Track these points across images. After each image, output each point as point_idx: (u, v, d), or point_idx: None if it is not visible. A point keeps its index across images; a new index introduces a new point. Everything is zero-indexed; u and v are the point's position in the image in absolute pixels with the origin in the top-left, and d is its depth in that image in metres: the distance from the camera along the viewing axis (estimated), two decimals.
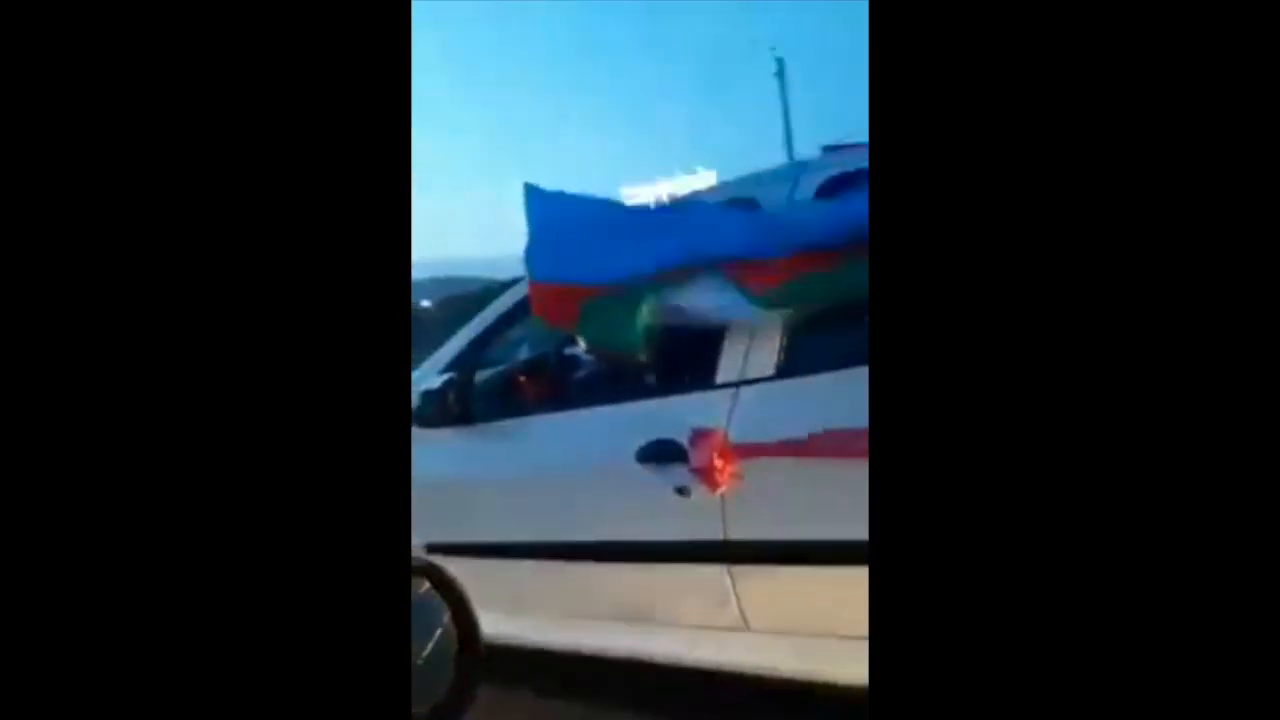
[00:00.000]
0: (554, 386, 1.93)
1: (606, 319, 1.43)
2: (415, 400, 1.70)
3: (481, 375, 1.90)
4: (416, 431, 1.60)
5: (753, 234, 1.40)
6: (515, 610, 1.71)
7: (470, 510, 1.76)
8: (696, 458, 1.37)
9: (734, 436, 1.37)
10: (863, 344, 0.95)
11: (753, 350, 1.42)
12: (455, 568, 1.70)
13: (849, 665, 1.18)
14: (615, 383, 1.72)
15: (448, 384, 1.73)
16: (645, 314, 1.42)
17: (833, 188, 1.47)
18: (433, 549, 1.75)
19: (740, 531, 1.39)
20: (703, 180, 8.52)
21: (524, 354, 2.27)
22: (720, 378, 1.45)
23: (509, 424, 1.78)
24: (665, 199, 1.65)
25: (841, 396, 1.20)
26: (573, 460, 1.61)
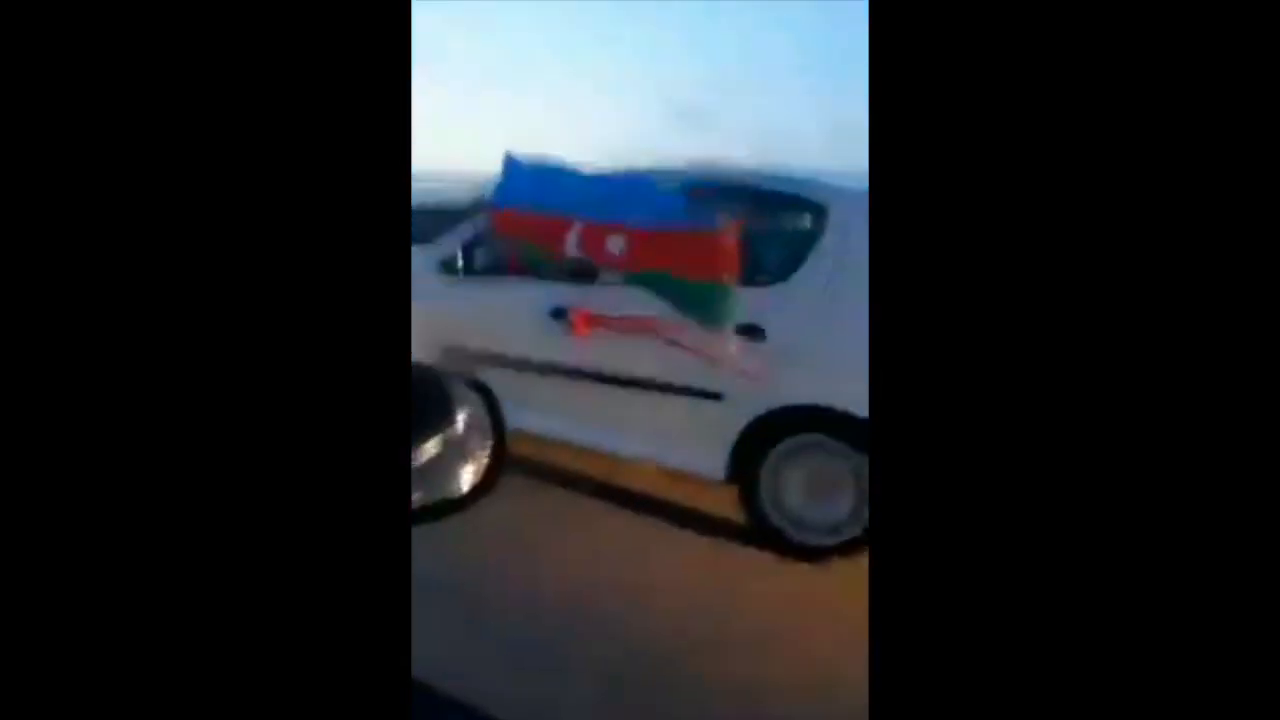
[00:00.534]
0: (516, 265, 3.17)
1: (535, 251, 2.66)
2: (435, 267, 2.99)
3: (482, 252, 3.14)
4: (438, 277, 2.91)
5: (648, 210, 2.55)
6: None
7: (463, 329, 3.08)
8: (573, 319, 2.63)
9: (594, 310, 2.61)
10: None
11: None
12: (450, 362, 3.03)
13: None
14: (545, 273, 2.93)
15: (460, 253, 3.01)
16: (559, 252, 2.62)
17: (701, 194, 2.56)
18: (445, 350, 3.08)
19: (591, 362, 2.67)
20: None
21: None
22: (597, 280, 2.68)
23: (492, 280, 3.05)
24: (609, 171, 2.67)
25: (650, 301, 2.43)
26: (520, 308, 2.88)
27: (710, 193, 2.57)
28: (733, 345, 2.35)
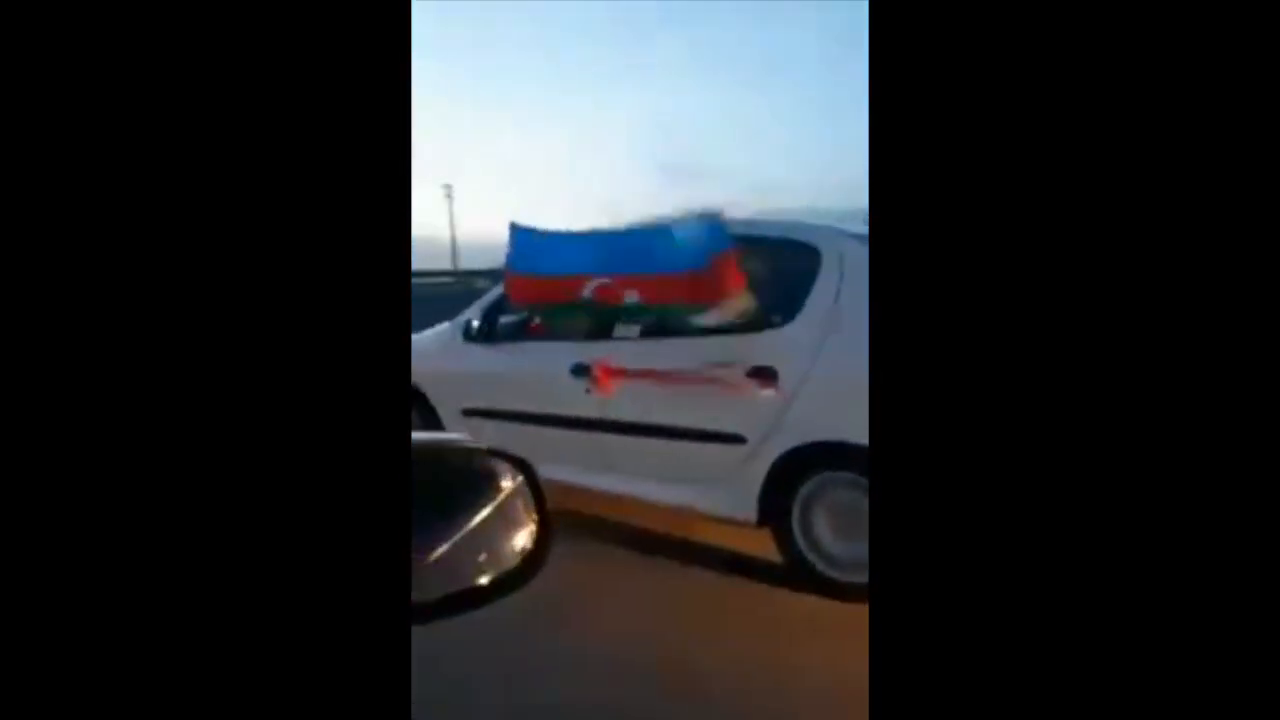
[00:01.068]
0: (538, 329, 3.27)
1: (552, 309, 2.76)
2: (462, 330, 3.11)
3: (504, 318, 3.24)
4: (462, 343, 3.02)
5: (643, 258, 2.64)
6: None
7: (488, 391, 3.15)
8: (595, 374, 2.69)
9: (614, 364, 2.67)
10: (672, 322, 2.43)
11: (627, 323, 2.73)
12: (473, 424, 3.09)
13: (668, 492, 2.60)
14: (564, 332, 3.00)
15: (481, 320, 3.12)
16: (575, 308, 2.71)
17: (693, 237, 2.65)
18: (467, 412, 3.15)
19: (614, 414, 2.72)
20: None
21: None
22: (614, 334, 2.75)
23: (514, 344, 3.13)
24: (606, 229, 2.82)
25: (666, 352, 2.50)
26: (542, 368, 2.95)
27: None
28: (749, 387, 2.40)
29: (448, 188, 32.39)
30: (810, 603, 2.36)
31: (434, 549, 0.67)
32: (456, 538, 0.69)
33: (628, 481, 2.77)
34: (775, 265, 2.56)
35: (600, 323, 2.77)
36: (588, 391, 2.73)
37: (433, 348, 3.34)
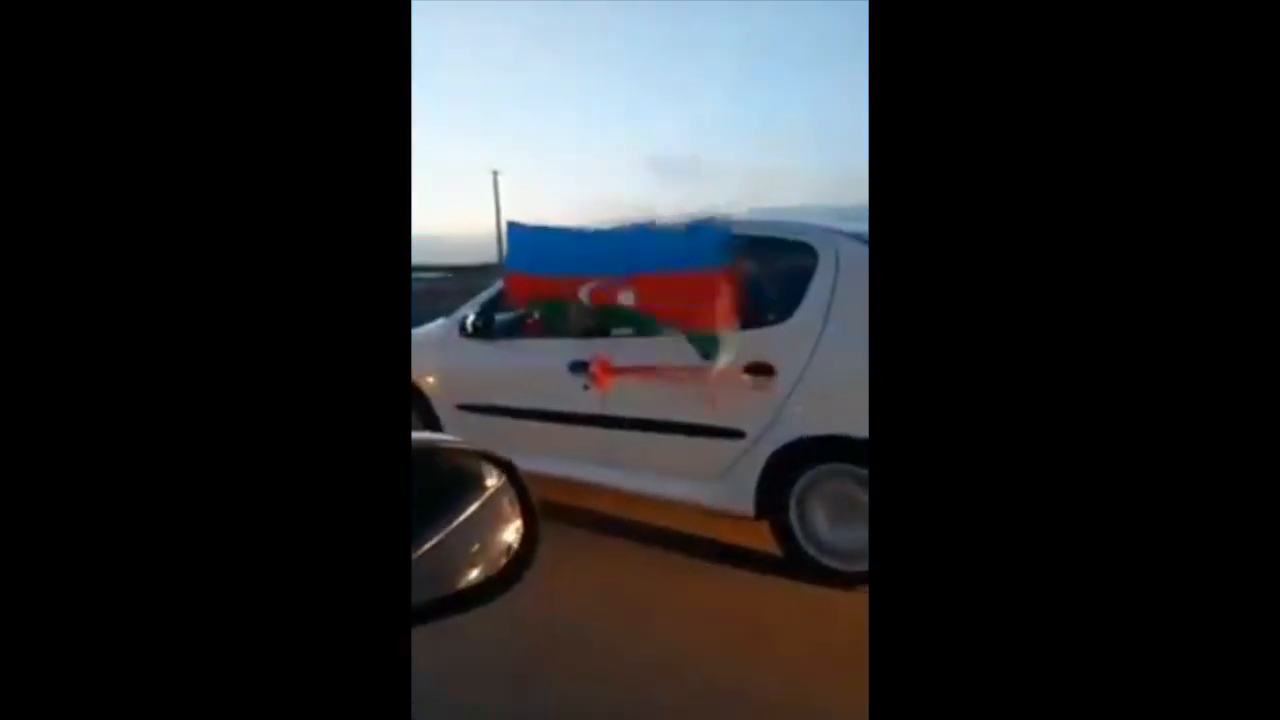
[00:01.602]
0: (534, 326, 3.27)
1: (547, 307, 2.76)
2: (459, 326, 3.10)
3: (500, 315, 3.24)
4: (460, 339, 3.03)
5: (646, 256, 2.63)
6: (504, 446, 3.19)
7: (486, 386, 3.16)
8: (594, 371, 2.70)
9: (612, 361, 2.68)
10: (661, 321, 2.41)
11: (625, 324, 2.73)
12: (472, 419, 3.10)
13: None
14: (561, 330, 3.01)
15: (478, 316, 3.12)
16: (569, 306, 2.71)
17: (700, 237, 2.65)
18: (461, 407, 3.16)
19: (612, 410, 2.72)
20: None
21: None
22: (611, 333, 2.75)
23: (512, 341, 3.14)
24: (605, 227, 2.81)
25: (665, 348, 2.50)
26: (539, 364, 2.95)
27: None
28: (746, 383, 2.41)
29: (494, 174, 30.18)
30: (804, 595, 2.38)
31: (415, 551, 0.66)
32: (438, 539, 0.69)
33: (627, 476, 2.79)
34: (773, 263, 2.57)
35: (598, 321, 2.77)
36: (585, 388, 2.74)
37: (429, 342, 3.35)
